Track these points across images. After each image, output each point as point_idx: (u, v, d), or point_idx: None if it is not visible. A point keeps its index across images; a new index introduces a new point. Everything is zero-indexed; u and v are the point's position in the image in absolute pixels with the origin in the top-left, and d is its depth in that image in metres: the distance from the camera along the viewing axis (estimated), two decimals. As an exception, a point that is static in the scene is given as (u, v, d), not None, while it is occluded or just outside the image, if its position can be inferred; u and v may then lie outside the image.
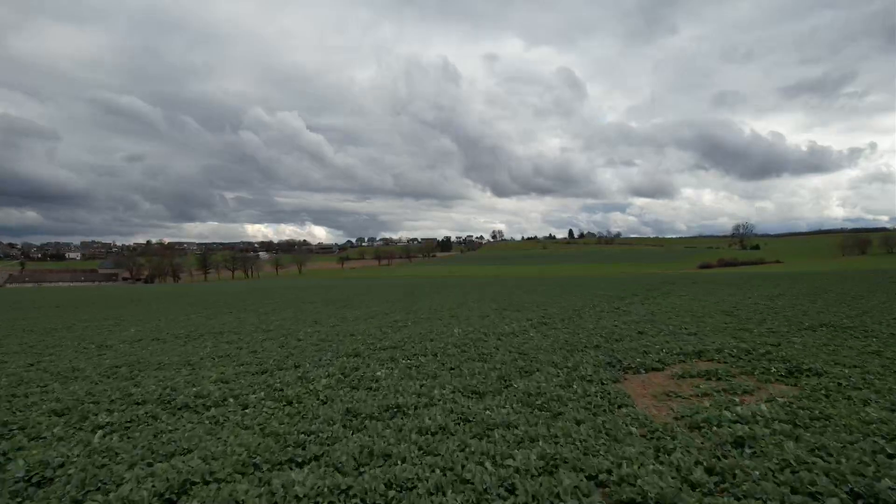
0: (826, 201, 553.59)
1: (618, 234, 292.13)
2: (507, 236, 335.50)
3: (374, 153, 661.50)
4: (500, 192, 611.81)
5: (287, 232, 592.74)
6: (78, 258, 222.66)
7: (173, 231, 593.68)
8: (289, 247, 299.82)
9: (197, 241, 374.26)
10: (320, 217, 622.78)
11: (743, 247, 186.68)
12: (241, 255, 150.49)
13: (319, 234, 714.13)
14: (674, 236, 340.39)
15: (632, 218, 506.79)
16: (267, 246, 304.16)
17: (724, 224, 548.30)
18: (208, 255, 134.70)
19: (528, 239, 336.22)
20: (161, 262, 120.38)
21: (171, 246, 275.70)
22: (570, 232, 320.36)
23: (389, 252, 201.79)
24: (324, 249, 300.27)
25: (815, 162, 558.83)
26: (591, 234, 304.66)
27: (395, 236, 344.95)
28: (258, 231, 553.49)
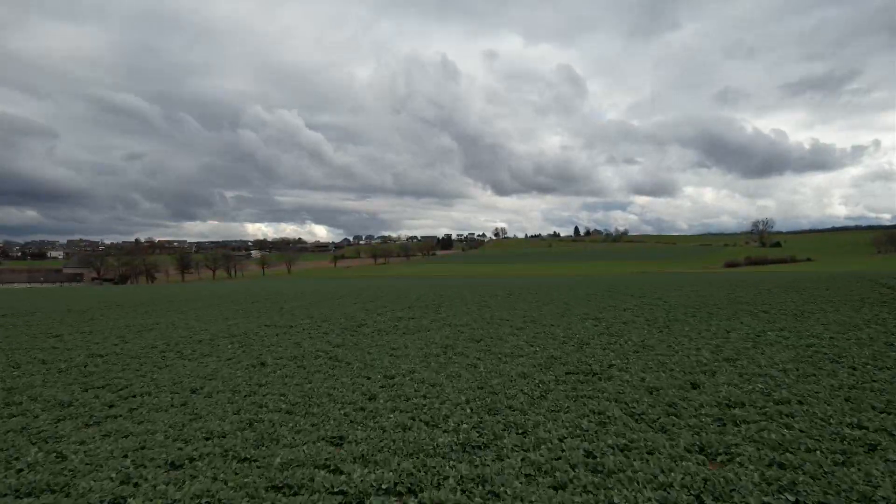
0: (828, 199, 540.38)
1: (625, 232, 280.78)
2: (508, 234, 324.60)
3: (373, 151, 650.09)
4: (500, 190, 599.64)
5: (287, 231, 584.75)
6: (61, 257, 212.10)
7: (174, 230, 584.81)
8: (284, 245, 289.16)
9: (198, 239, 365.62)
10: (320, 216, 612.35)
11: (763, 244, 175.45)
12: (224, 253, 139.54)
13: (320, 232, 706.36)
14: (676, 234, 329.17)
15: (633, 216, 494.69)
16: (260, 244, 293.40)
17: (726, 222, 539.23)
18: (185, 254, 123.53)
19: (532, 237, 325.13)
20: (132, 260, 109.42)
21: (160, 244, 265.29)
22: (576, 229, 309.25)
23: (387, 250, 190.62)
24: (320, 248, 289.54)
25: (818, 160, 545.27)
26: (597, 232, 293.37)
27: (395, 235, 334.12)
28: (258, 230, 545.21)
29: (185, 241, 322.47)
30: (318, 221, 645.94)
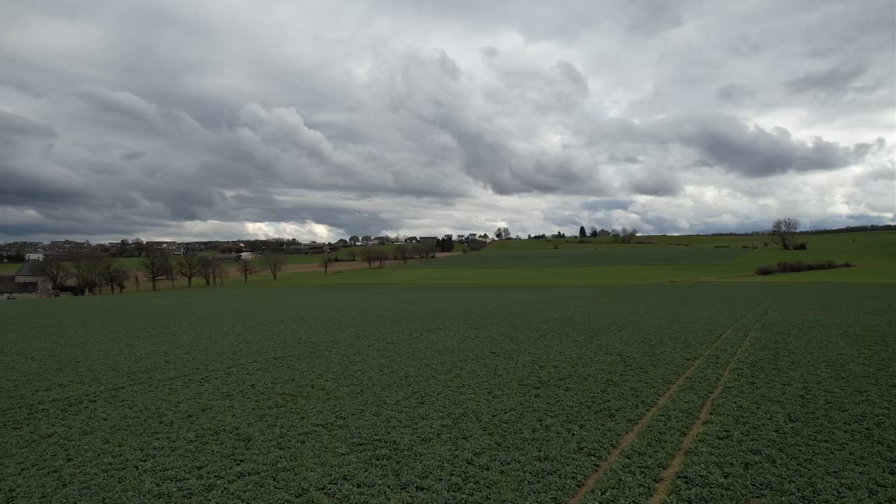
0: (830, 198, 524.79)
1: (634, 232, 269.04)
2: (510, 235, 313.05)
3: (373, 150, 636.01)
4: (501, 189, 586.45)
5: (288, 230, 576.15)
6: (40, 259, 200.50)
7: (174, 229, 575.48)
8: (277, 246, 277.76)
9: (197, 239, 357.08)
10: (321, 215, 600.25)
11: (785, 246, 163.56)
12: (201, 258, 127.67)
13: (321, 232, 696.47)
14: (686, 234, 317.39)
15: (634, 215, 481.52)
16: (252, 245, 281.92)
17: (728, 221, 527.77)
18: (158, 259, 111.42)
19: (536, 237, 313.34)
20: (94, 266, 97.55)
21: (148, 245, 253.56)
22: (582, 230, 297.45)
23: (383, 253, 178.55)
24: (314, 249, 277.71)
25: (821, 158, 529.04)
26: (604, 232, 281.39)
27: (394, 235, 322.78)
28: (259, 229, 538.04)
29: (175, 241, 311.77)
30: (318, 221, 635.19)
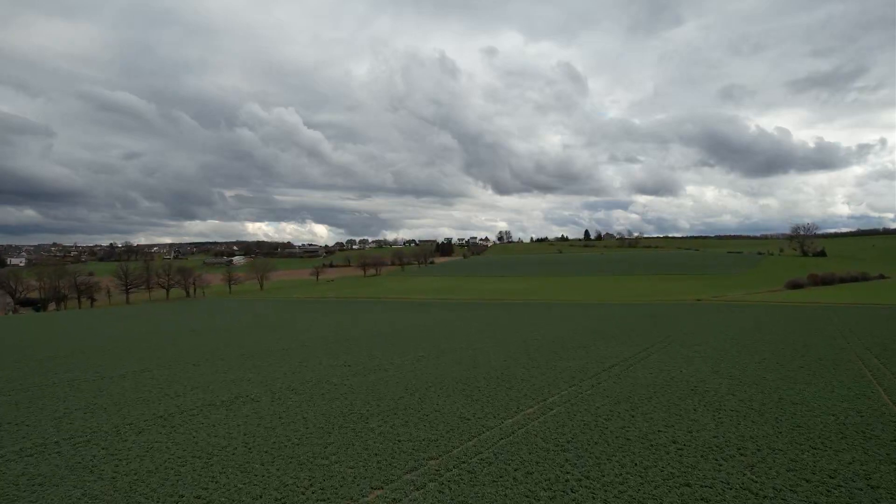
0: (832, 198, 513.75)
1: (640, 234, 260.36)
2: (511, 235, 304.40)
3: (373, 150, 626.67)
4: (501, 189, 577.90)
5: (288, 230, 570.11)
6: (22, 264, 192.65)
7: (174, 229, 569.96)
8: (271, 249, 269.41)
9: (196, 240, 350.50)
10: (321, 215, 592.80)
11: (804, 252, 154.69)
12: (179, 267, 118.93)
13: (321, 232, 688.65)
14: (682, 235, 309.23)
15: (634, 215, 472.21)
16: (246, 248, 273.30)
17: (728, 221, 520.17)
18: (129, 268, 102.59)
19: (539, 241, 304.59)
20: (57, 275, 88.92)
21: (138, 248, 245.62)
22: (586, 233, 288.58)
23: (379, 258, 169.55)
24: (309, 253, 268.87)
25: (823, 158, 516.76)
26: (609, 235, 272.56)
27: (394, 236, 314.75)
28: (259, 229, 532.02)
29: (169, 244, 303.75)
30: (318, 221, 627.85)
